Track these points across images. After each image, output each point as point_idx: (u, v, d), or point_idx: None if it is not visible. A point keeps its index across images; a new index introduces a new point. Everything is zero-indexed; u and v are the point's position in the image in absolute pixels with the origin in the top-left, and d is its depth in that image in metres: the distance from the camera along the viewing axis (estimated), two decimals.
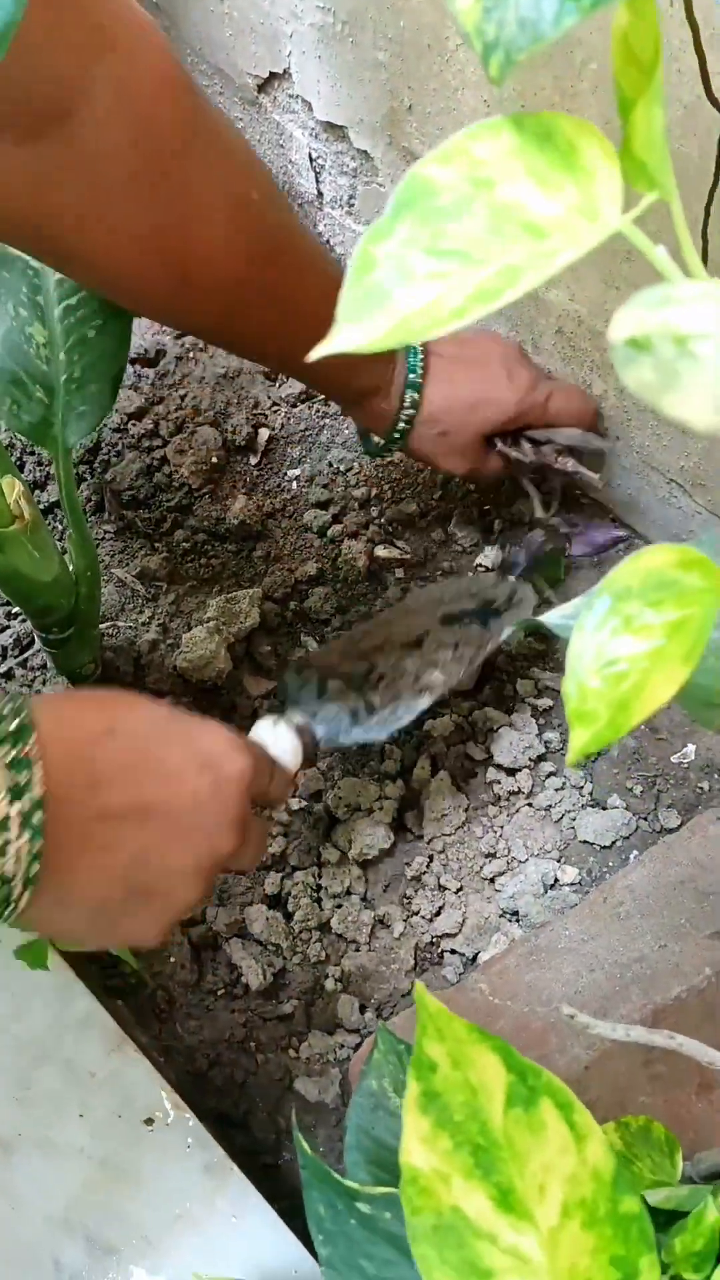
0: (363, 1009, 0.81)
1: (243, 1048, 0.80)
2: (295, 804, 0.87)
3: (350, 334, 0.31)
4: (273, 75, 0.94)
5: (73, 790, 0.50)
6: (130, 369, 1.05)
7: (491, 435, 0.87)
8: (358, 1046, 0.79)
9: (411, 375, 0.82)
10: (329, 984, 0.82)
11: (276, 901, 0.85)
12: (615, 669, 0.32)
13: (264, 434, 1.03)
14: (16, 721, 0.47)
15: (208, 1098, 0.78)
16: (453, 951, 0.83)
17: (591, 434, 0.89)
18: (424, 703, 0.78)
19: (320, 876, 0.85)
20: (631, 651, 0.33)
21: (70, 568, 0.80)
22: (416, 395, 0.83)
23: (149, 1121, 0.70)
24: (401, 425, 0.84)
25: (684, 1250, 0.48)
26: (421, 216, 0.32)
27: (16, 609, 0.90)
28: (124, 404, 1.02)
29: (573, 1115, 0.43)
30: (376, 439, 0.87)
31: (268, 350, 0.81)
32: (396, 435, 0.85)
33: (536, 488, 0.93)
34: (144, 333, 1.08)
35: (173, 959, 0.82)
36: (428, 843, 0.86)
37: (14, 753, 0.46)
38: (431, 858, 0.86)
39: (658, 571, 0.33)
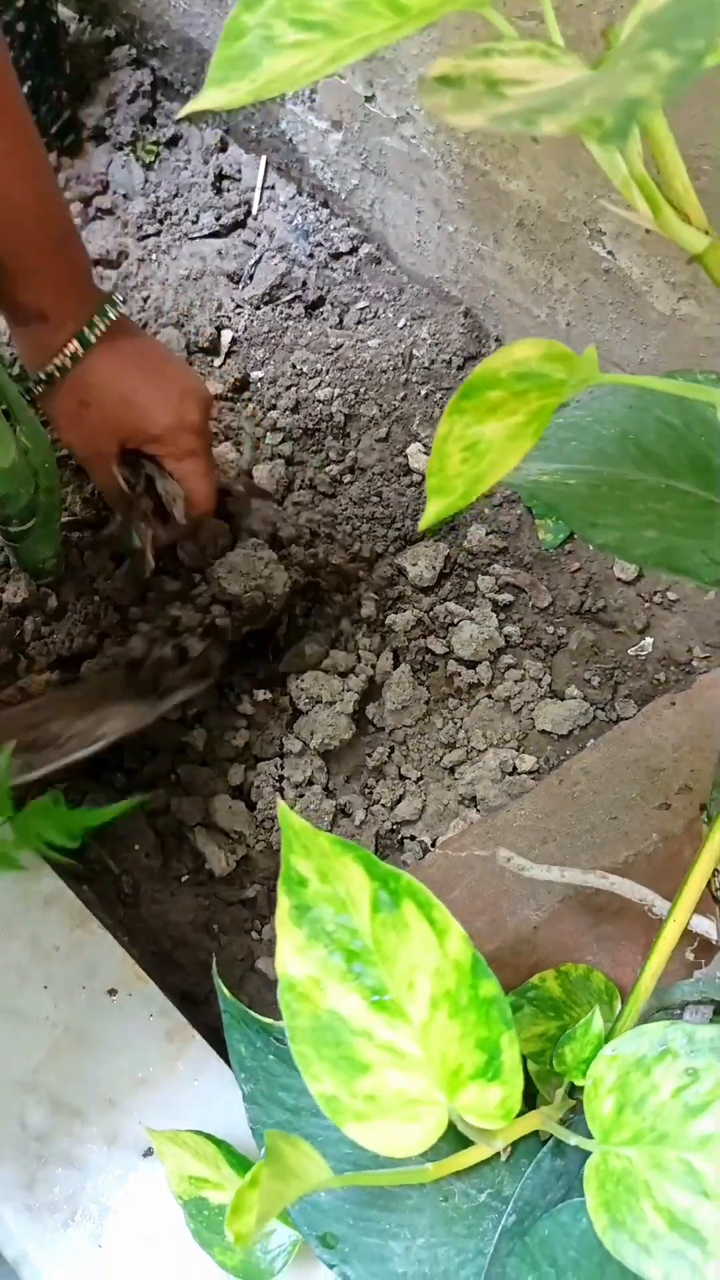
0: None
1: (206, 930, 0.81)
2: (260, 695, 0.88)
3: (216, 95, 0.34)
4: None
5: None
6: (96, 271, 1.05)
7: (124, 448, 0.82)
8: None
9: (88, 330, 0.77)
10: None
11: (240, 792, 0.86)
12: (475, 449, 0.35)
13: (227, 335, 1.02)
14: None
15: (171, 976, 0.80)
16: (412, 838, 0.84)
17: (179, 506, 0.84)
18: (99, 745, 0.79)
19: (283, 767, 0.86)
20: (492, 435, 0.36)
21: (29, 457, 0.80)
22: (81, 349, 0.77)
23: (112, 992, 0.71)
24: (52, 368, 0.78)
25: (574, 1059, 0.50)
26: None
27: None
28: None
29: (432, 913, 0.45)
30: (27, 374, 0.81)
31: None
32: (42, 377, 0.78)
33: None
34: (106, 235, 1.08)
35: (138, 847, 0.83)
36: (389, 734, 0.87)
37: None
38: (392, 749, 0.87)
39: (525, 362, 0.35)
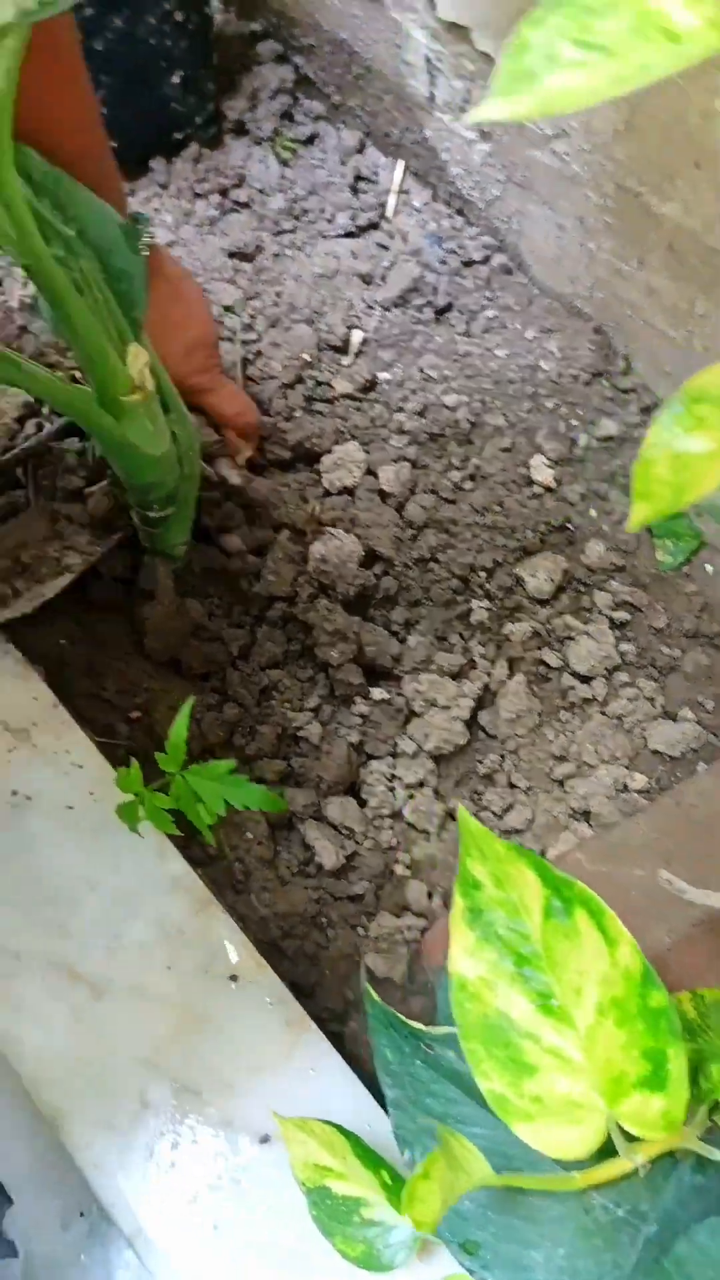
0: (430, 895, 0.84)
1: (314, 923, 0.83)
2: (377, 693, 0.89)
3: (500, 107, 0.35)
4: None
5: None
6: (228, 262, 1.06)
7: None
8: (425, 930, 0.82)
9: None
10: (399, 869, 0.85)
11: (351, 788, 0.87)
12: (681, 460, 0.37)
13: (357, 335, 1.03)
14: None
15: (280, 966, 0.81)
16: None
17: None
18: (64, 580, 0.85)
19: (395, 767, 0.88)
20: (698, 448, 0.37)
21: (177, 445, 0.81)
22: None
23: (233, 978, 0.73)
24: None
25: (718, 1077, 0.51)
26: (572, 12, 0.35)
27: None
28: (221, 296, 1.03)
29: (604, 921, 0.46)
30: None
31: None
32: None
33: None
34: (243, 228, 1.09)
35: (250, 835, 0.84)
36: (501, 742, 0.89)
37: None
38: (504, 757, 0.88)
39: None
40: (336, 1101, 0.70)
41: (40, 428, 0.98)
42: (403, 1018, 0.56)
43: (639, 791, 0.85)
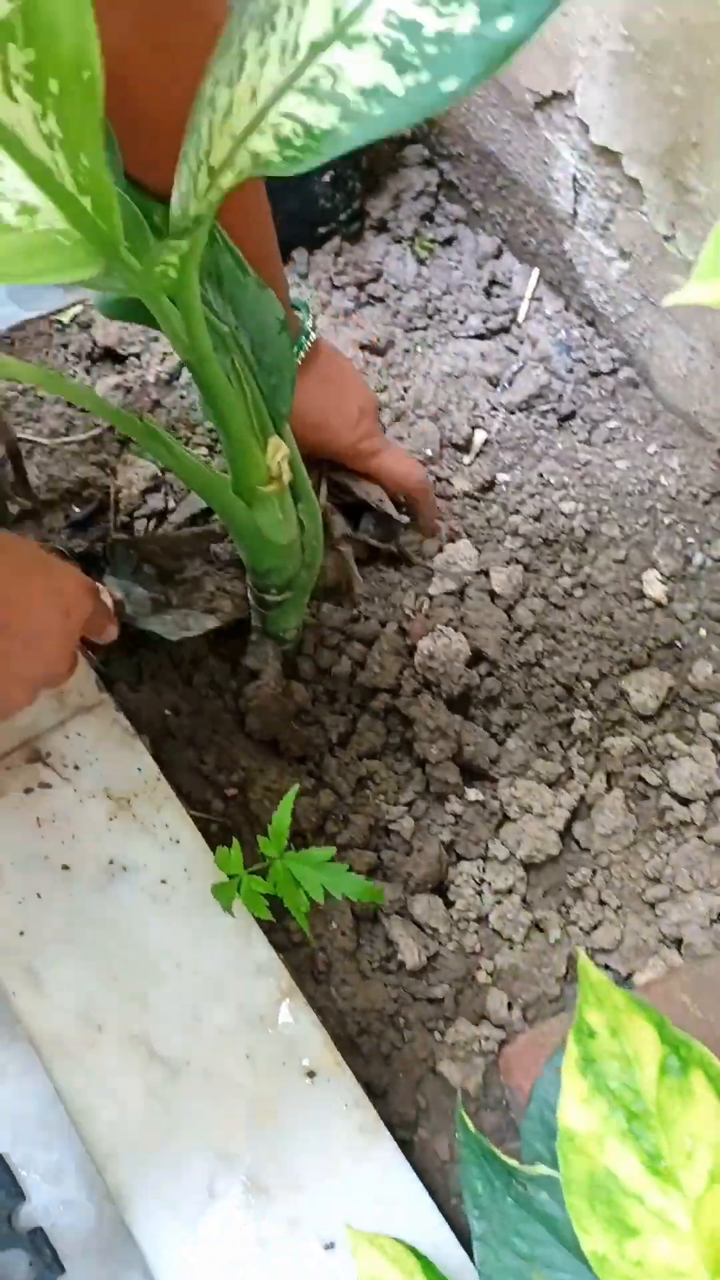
0: (510, 1006, 0.83)
1: (391, 1022, 0.82)
2: (472, 794, 0.89)
3: (701, 290, 0.35)
4: (555, 95, 0.96)
5: None
6: (360, 354, 1.09)
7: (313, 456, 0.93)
8: (503, 1042, 0.81)
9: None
10: (481, 976, 0.84)
11: (439, 888, 0.87)
12: None
13: (480, 436, 1.05)
14: None
15: (353, 1063, 0.80)
16: (606, 967, 0.84)
17: (388, 502, 0.97)
18: (211, 623, 0.88)
19: (485, 870, 0.87)
20: None
21: (303, 534, 0.83)
22: None
23: (310, 1074, 0.72)
24: None
25: None
26: None
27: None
28: None
29: None
30: None
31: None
32: None
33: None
34: (376, 321, 1.12)
35: (335, 925, 0.84)
36: (594, 857, 0.88)
37: None
38: (595, 872, 0.87)
39: None
40: (403, 1215, 0.69)
41: (165, 501, 1.00)
42: (497, 1151, 0.55)
43: None
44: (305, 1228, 0.68)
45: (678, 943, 0.83)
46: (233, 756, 0.89)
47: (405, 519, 0.99)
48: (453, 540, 0.99)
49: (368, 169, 1.17)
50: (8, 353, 1.09)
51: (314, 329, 0.89)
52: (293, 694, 0.90)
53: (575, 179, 1.00)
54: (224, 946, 0.76)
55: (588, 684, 0.94)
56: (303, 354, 0.87)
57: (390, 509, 0.97)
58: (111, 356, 1.09)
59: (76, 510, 1.00)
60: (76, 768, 0.81)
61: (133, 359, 1.09)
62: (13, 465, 0.98)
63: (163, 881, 0.78)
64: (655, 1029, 0.46)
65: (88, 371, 1.09)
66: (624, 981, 0.83)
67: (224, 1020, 0.74)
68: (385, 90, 0.38)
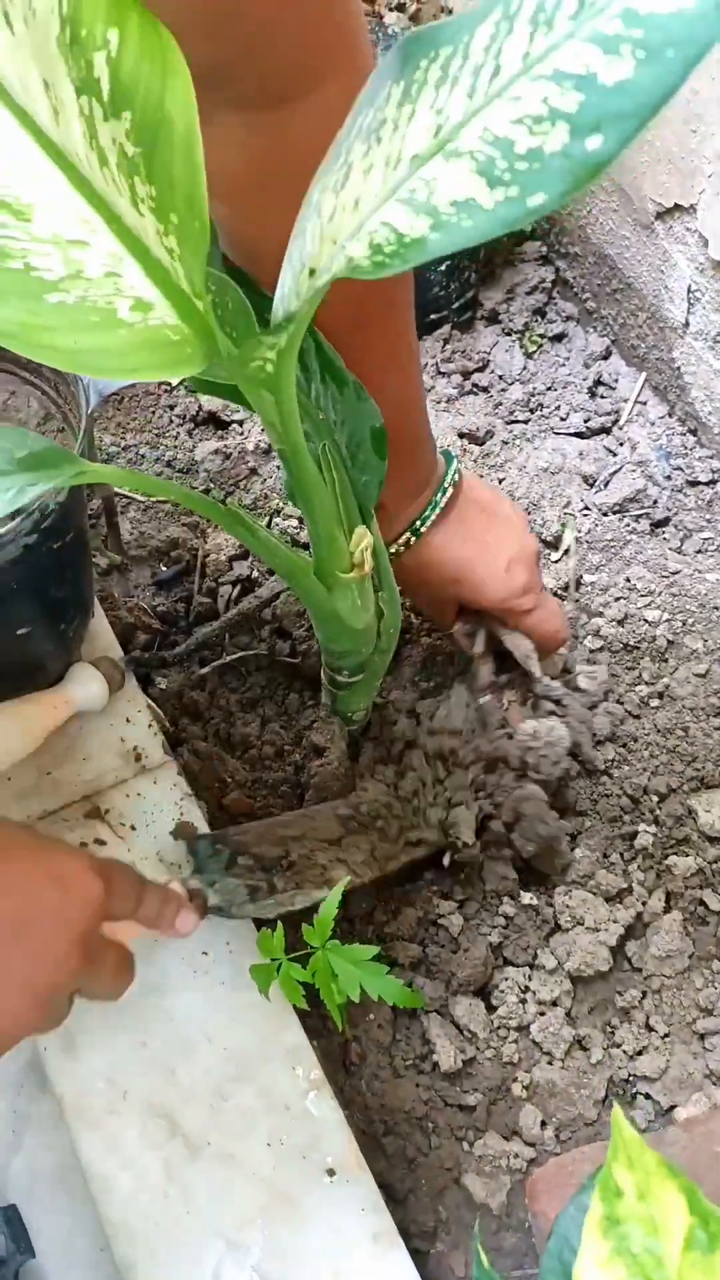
0: (544, 1124, 0.80)
1: (420, 1125, 0.80)
2: (526, 898, 0.87)
3: None
4: (677, 206, 0.97)
5: None
6: (459, 441, 1.09)
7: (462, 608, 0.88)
8: (533, 1160, 0.79)
9: (419, 523, 0.82)
10: (516, 1088, 0.81)
11: (483, 991, 0.85)
12: None
13: (570, 534, 1.05)
14: None
15: (376, 1163, 0.79)
16: (647, 1096, 0.81)
17: (534, 659, 0.88)
18: (323, 894, 0.78)
19: (531, 979, 0.85)
20: None
21: (380, 621, 0.83)
22: (413, 539, 0.82)
23: (330, 1172, 0.71)
24: (394, 549, 0.83)
25: None
26: None
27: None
28: None
29: None
30: None
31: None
32: (391, 552, 0.83)
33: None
34: (478, 411, 1.13)
35: (372, 1017, 0.83)
36: (644, 978, 0.85)
37: None
38: (645, 994, 0.85)
39: None
40: None
41: (251, 570, 1.02)
42: None
43: None
44: None
45: None
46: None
47: (541, 676, 0.91)
48: None
49: (485, 260, 1.19)
50: (115, 412, 1.12)
51: (457, 476, 0.84)
52: (354, 775, 0.90)
53: (690, 290, 1.00)
54: (257, 1026, 0.75)
55: (655, 798, 0.92)
56: (443, 501, 0.83)
57: (535, 667, 0.89)
58: (214, 421, 1.12)
59: (163, 569, 1.02)
60: (133, 828, 0.82)
61: (235, 425, 1.12)
62: (106, 519, 1.00)
63: (204, 953, 0.78)
64: (685, 1197, 0.44)
65: (190, 434, 1.11)
66: (664, 1114, 0.80)
67: (249, 1103, 0.73)
68: (475, 203, 0.39)
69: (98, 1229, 0.72)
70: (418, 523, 0.82)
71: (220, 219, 0.69)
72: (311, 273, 0.49)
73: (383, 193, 0.44)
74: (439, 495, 0.83)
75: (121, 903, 0.62)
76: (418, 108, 0.42)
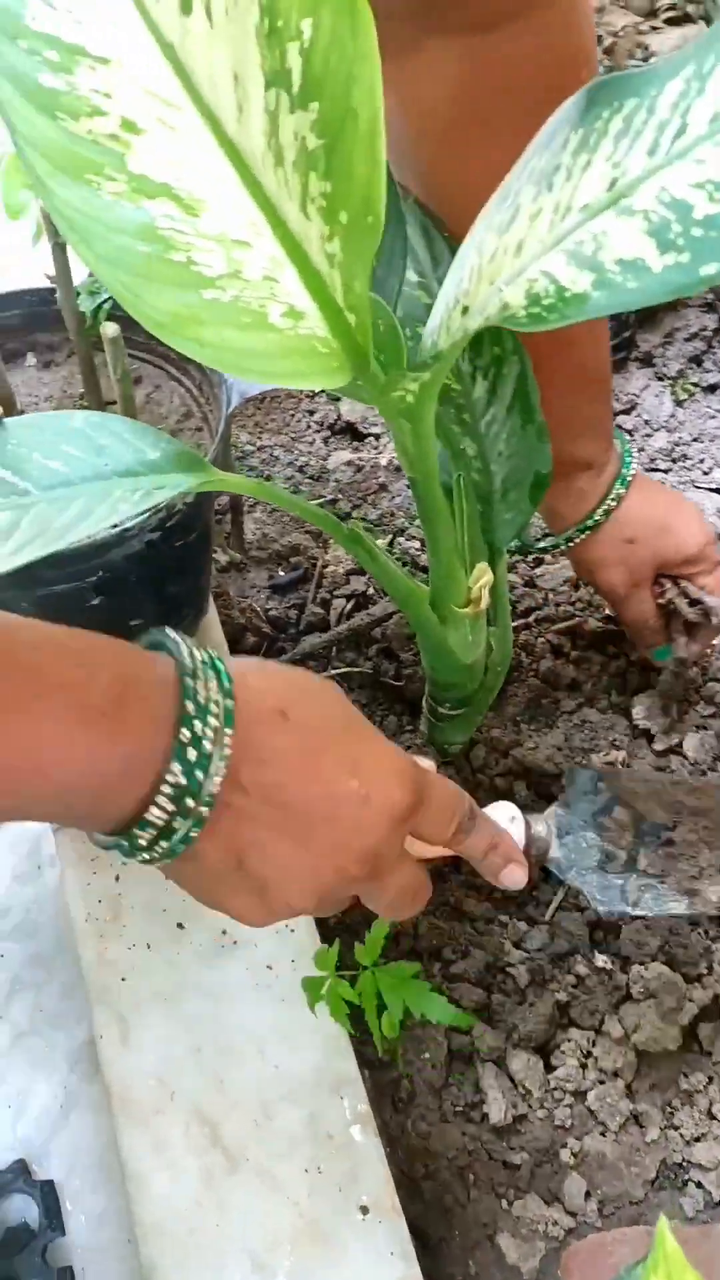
0: (588, 1195, 0.78)
1: (461, 1174, 0.78)
2: (600, 960, 0.85)
3: None
4: None
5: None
6: None
7: (659, 573, 0.89)
8: (571, 1230, 0.76)
9: (625, 470, 0.85)
10: (565, 1154, 0.79)
11: (543, 1049, 0.83)
12: None
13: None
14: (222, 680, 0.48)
15: (411, 1205, 0.77)
16: (699, 1184, 0.78)
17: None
18: (679, 907, 0.69)
19: (595, 1044, 0.82)
20: None
21: (489, 657, 0.82)
22: (623, 490, 0.85)
23: (364, 1210, 0.70)
24: (598, 515, 0.85)
25: None
26: None
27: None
28: None
29: None
30: (543, 536, 0.89)
31: None
32: (589, 524, 0.85)
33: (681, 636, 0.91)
34: None
35: (427, 1055, 0.81)
36: (714, 1064, 0.82)
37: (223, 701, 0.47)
38: (712, 1080, 0.81)
39: None
40: None
41: (367, 586, 1.01)
42: None
43: None
44: None
45: None
46: None
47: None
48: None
49: None
50: (255, 411, 1.13)
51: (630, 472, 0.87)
52: None
53: None
54: (311, 1049, 0.75)
55: None
56: (634, 463, 0.86)
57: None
58: (351, 432, 1.12)
59: (281, 574, 1.02)
60: None
61: (371, 439, 1.11)
62: (232, 518, 1.01)
63: (268, 966, 0.78)
64: None
65: (325, 442, 1.12)
66: (715, 1206, 0.77)
67: (293, 1126, 0.72)
68: (644, 264, 0.37)
69: (128, 1222, 0.72)
70: (624, 472, 0.85)
71: (421, 167, 0.68)
72: (465, 311, 0.49)
73: (548, 241, 0.42)
74: (628, 457, 0.86)
75: (434, 827, 0.57)
76: (595, 158, 0.41)
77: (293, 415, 1.13)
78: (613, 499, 0.85)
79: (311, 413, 1.13)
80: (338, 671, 0.96)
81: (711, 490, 1.08)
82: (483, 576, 0.73)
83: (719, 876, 0.69)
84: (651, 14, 1.40)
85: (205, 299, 0.52)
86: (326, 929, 0.82)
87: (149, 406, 0.79)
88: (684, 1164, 0.79)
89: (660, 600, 0.89)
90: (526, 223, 0.44)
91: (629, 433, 1.12)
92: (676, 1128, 0.80)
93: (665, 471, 1.09)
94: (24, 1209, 0.77)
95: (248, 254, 0.52)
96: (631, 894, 0.68)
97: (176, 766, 0.45)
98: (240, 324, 0.53)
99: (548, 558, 1.04)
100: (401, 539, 1.06)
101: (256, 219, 0.51)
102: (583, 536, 0.87)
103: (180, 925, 0.78)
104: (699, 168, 0.37)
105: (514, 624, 0.98)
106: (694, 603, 0.88)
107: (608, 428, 0.85)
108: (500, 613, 0.81)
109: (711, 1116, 0.80)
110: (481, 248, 0.47)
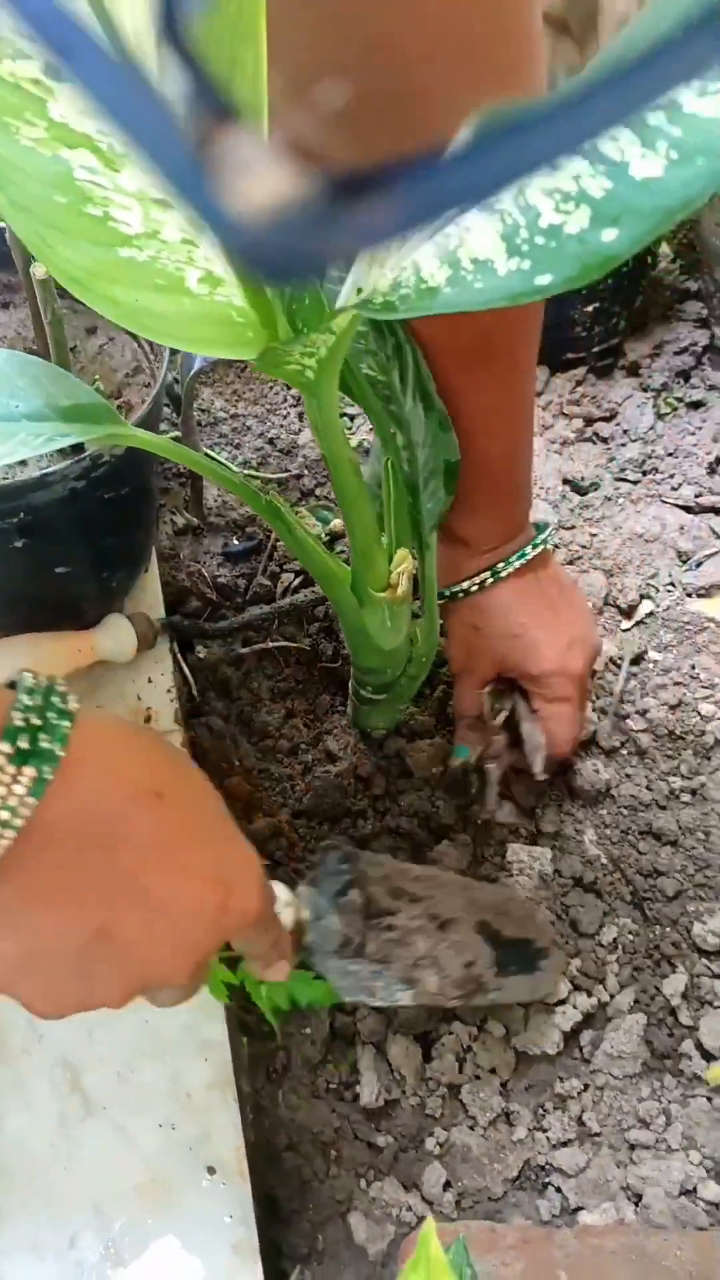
0: (447, 1185, 0.78)
1: (324, 1151, 0.79)
2: None
3: None
4: None
5: (86, 828, 0.44)
6: (560, 486, 1.07)
7: (500, 675, 0.84)
8: (423, 1219, 0.77)
9: (503, 566, 0.80)
10: (430, 1143, 0.80)
11: (424, 1038, 0.83)
12: None
13: (646, 606, 1.01)
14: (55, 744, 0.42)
15: (270, 1174, 0.78)
16: (558, 1189, 0.78)
17: (541, 755, 0.84)
18: (405, 997, 0.71)
19: (476, 1040, 0.83)
20: None
21: (412, 647, 0.82)
22: (491, 582, 0.80)
23: (211, 1170, 0.71)
24: (458, 589, 0.81)
25: None
26: None
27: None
28: (544, 516, 1.04)
29: None
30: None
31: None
32: (446, 593, 0.82)
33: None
34: (588, 460, 1.10)
35: (308, 1031, 0.82)
36: (591, 1073, 0.82)
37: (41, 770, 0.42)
38: (587, 1087, 0.81)
39: None
40: None
41: None
42: None
43: (706, 1204, 0.76)
44: None
45: (638, 1198, 0.77)
46: (277, 825, 0.88)
47: (541, 774, 0.86)
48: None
49: (640, 310, 1.15)
50: (235, 379, 1.13)
51: (549, 544, 0.83)
52: (356, 792, 0.89)
53: None
54: (182, 1011, 0.75)
55: (658, 896, 0.88)
56: (531, 555, 0.81)
57: (540, 763, 0.85)
58: None
59: (235, 543, 1.03)
60: None
61: (344, 419, 1.11)
62: (191, 483, 1.01)
63: None
64: None
65: (300, 417, 1.12)
66: (570, 1213, 0.77)
67: (154, 1083, 0.73)
68: (491, 266, 0.37)
69: None
70: (501, 565, 0.81)
71: None
72: (359, 291, 0.49)
73: (430, 231, 0.42)
74: (529, 548, 0.81)
75: (261, 934, 0.56)
76: None
77: (270, 387, 1.13)
78: (474, 586, 0.81)
79: (289, 386, 1.13)
80: (275, 645, 0.97)
81: (677, 506, 1.07)
82: (403, 563, 0.74)
83: (435, 966, 0.71)
84: None
85: (121, 257, 0.52)
86: None
87: (100, 358, 0.80)
88: (546, 1167, 0.79)
89: (489, 705, 0.85)
90: None
91: (604, 440, 1.12)
92: (545, 1130, 0.80)
93: (634, 483, 1.09)
94: None
95: (167, 215, 0.52)
96: (365, 980, 0.69)
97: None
98: (155, 286, 0.53)
99: None
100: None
101: None
102: (440, 601, 0.83)
103: None
104: (553, 176, 0.36)
105: None
106: (509, 721, 0.85)
107: (496, 522, 0.80)
108: (428, 604, 0.81)
109: (581, 1123, 0.80)
110: None
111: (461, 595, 0.81)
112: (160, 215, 0.53)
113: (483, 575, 0.81)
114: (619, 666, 0.98)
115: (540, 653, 0.82)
